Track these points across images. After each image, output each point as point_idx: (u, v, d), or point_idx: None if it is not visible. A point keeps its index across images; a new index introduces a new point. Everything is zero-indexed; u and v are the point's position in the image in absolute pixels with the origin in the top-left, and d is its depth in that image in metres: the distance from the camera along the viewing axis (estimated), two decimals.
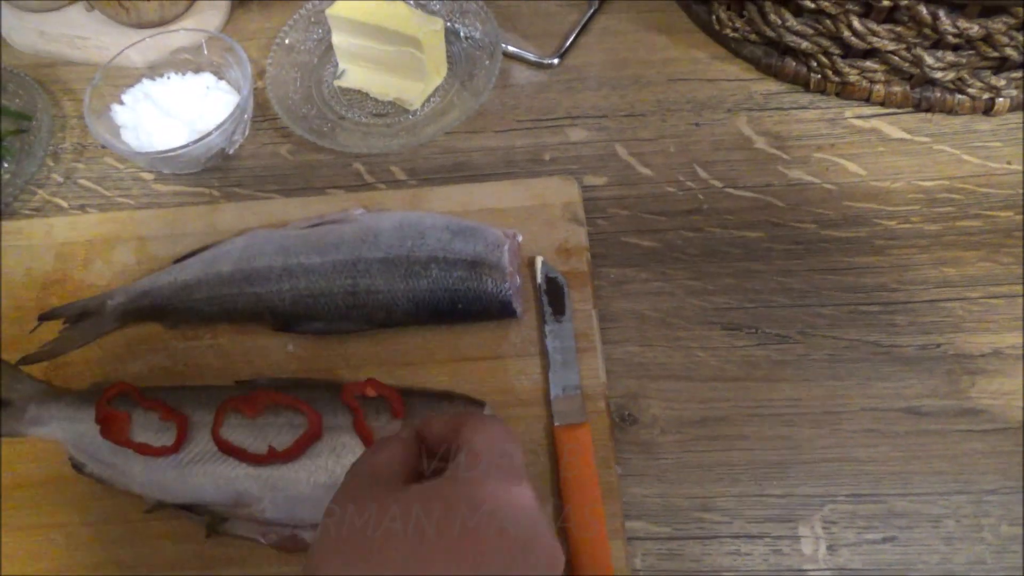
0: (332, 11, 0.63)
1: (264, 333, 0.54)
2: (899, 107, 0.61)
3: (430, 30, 0.62)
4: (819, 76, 0.62)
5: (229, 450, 0.46)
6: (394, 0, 0.63)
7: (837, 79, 0.61)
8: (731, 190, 0.59)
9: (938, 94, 0.60)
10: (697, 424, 0.50)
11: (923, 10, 0.54)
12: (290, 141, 0.65)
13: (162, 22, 0.71)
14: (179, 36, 0.67)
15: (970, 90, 0.59)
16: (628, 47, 0.68)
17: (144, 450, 0.47)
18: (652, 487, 0.48)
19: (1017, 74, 0.58)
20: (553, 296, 0.53)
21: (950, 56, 0.57)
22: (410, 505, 0.32)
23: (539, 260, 0.54)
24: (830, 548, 0.46)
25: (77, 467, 0.49)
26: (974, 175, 0.58)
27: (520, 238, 0.54)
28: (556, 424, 0.48)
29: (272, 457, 0.46)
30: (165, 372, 0.53)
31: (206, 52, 0.66)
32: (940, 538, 0.46)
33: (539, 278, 0.53)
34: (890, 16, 0.56)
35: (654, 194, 0.59)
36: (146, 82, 0.65)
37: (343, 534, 0.32)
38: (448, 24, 0.68)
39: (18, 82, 0.69)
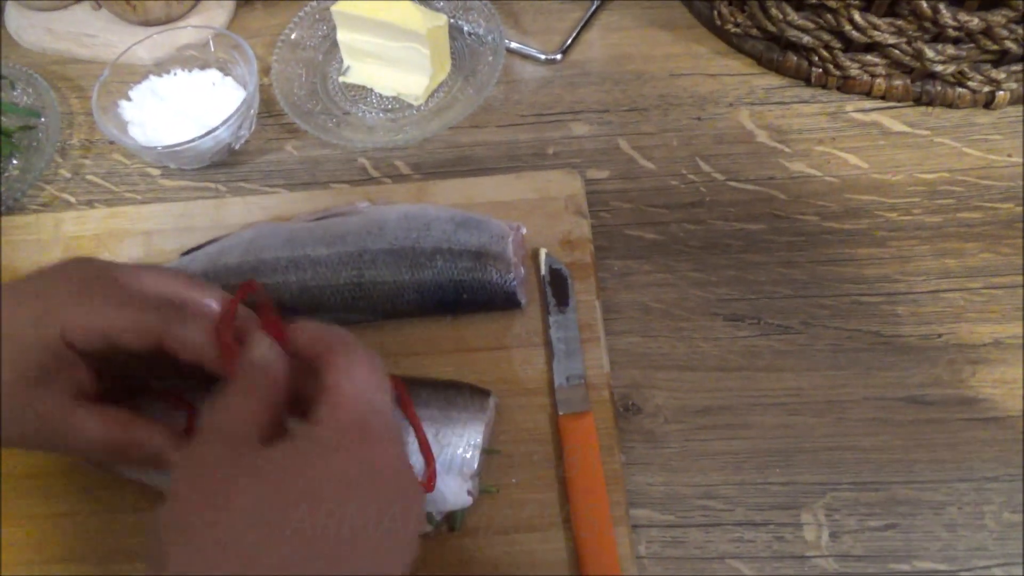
0: (337, 7, 0.64)
1: None
2: (900, 101, 0.62)
3: (434, 26, 0.62)
4: (820, 70, 0.62)
5: None
6: None
7: (838, 73, 0.61)
8: (733, 183, 0.59)
9: (939, 87, 0.60)
10: (700, 413, 0.50)
11: (923, 4, 0.54)
12: (296, 136, 0.66)
13: (168, 19, 0.72)
14: (186, 33, 0.68)
15: (970, 83, 0.59)
16: (630, 42, 0.69)
17: None
18: (656, 475, 0.49)
19: (1017, 67, 0.58)
20: (557, 287, 0.53)
21: (950, 49, 0.57)
22: (261, 477, 0.30)
23: (543, 252, 0.55)
24: (832, 535, 0.46)
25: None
26: (975, 167, 0.58)
27: (524, 230, 0.55)
28: (560, 413, 0.49)
29: None
30: None
31: (212, 49, 0.67)
32: (942, 525, 0.46)
33: (543, 270, 0.54)
34: (891, 10, 0.56)
35: (657, 187, 0.60)
36: (153, 78, 0.66)
37: (190, 506, 0.30)
38: (452, 20, 0.69)
39: (27, 80, 0.70)
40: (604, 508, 0.46)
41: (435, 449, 0.45)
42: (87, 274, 0.42)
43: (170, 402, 0.48)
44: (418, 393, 0.48)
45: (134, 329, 0.40)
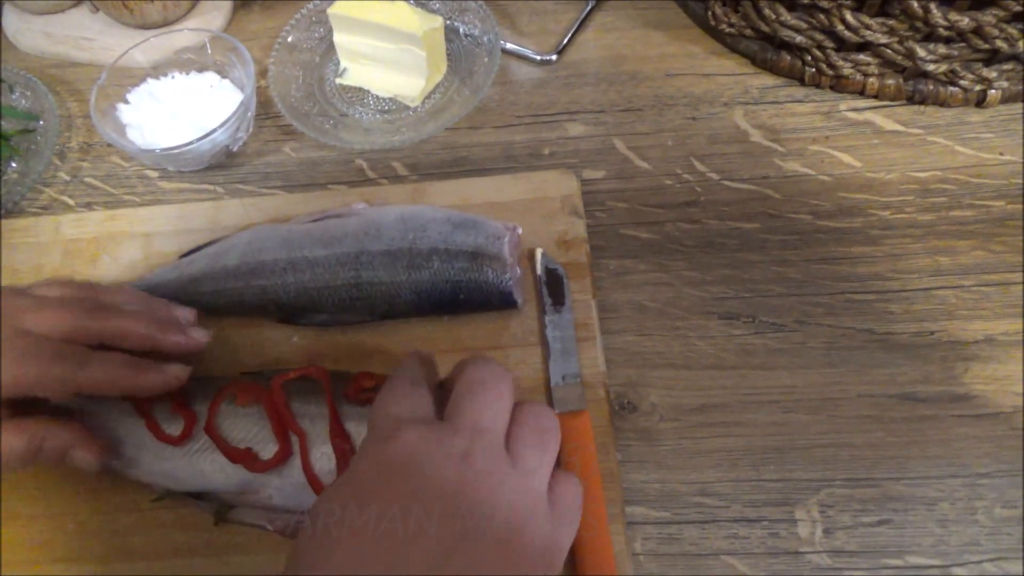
0: (333, 10, 0.64)
1: (269, 325, 0.55)
2: (893, 100, 0.62)
3: (430, 28, 0.63)
4: (813, 70, 0.63)
5: (216, 441, 0.47)
6: None
7: (831, 72, 0.62)
8: (728, 182, 0.60)
9: (931, 86, 0.61)
10: (695, 411, 0.51)
11: (914, 3, 0.54)
12: (293, 138, 0.66)
13: (165, 23, 0.72)
14: (183, 36, 0.69)
15: (962, 82, 0.60)
16: (625, 43, 0.69)
17: (160, 436, 0.48)
18: (651, 473, 0.49)
19: (1008, 66, 0.59)
20: (553, 287, 0.54)
21: (942, 49, 0.57)
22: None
23: (539, 252, 0.55)
24: (826, 531, 0.46)
25: None
26: (967, 166, 0.59)
27: (520, 231, 0.55)
28: (556, 412, 0.49)
29: (245, 460, 0.46)
30: None
31: (210, 52, 0.67)
32: (935, 521, 0.46)
33: (539, 270, 0.54)
34: (882, 10, 0.57)
35: (652, 187, 0.60)
36: (151, 81, 0.66)
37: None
38: (448, 22, 0.69)
39: (25, 83, 0.70)
40: (600, 506, 0.46)
41: None
42: None
43: (172, 406, 0.49)
44: None
45: (42, 383, 0.42)
